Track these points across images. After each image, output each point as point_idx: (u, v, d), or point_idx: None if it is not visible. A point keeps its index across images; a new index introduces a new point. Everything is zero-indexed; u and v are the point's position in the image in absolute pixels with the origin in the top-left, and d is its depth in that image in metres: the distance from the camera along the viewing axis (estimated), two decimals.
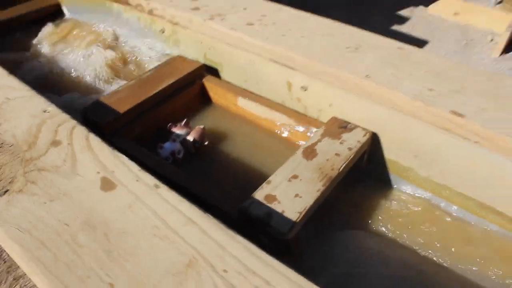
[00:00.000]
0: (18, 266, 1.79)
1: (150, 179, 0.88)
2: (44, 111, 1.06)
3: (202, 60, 1.62)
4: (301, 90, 1.37)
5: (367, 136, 1.23)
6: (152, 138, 1.38)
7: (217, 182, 1.26)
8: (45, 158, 0.93)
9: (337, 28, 1.48)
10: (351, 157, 1.16)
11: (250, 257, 0.74)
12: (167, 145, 1.32)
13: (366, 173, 1.32)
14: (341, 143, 1.20)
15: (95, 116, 1.29)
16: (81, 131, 1.00)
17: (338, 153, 1.17)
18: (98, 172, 0.90)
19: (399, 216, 1.23)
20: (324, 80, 1.31)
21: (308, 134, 1.34)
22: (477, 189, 1.15)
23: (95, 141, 0.98)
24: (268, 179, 1.08)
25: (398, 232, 1.19)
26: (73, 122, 1.03)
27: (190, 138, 1.33)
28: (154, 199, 0.84)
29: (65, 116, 1.04)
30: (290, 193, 1.04)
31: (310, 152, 1.17)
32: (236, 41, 1.47)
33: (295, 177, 1.09)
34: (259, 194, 1.03)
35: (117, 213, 0.82)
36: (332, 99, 1.31)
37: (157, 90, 1.41)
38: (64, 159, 0.93)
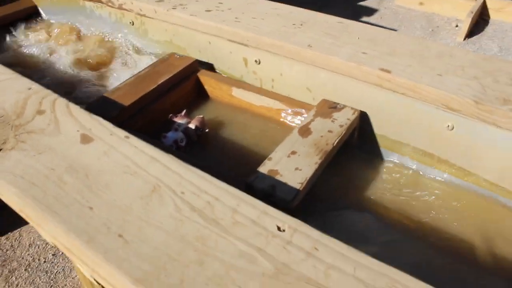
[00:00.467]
0: (13, 259, 1.95)
1: (121, 133, 1.06)
2: (29, 88, 1.24)
3: (169, 45, 1.80)
4: (255, 64, 1.56)
5: (356, 114, 1.36)
6: (154, 131, 1.48)
7: (221, 163, 1.38)
8: (32, 124, 1.11)
9: (285, 9, 1.68)
10: (343, 133, 1.29)
11: (203, 181, 0.93)
12: (170, 134, 1.40)
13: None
14: (332, 121, 1.33)
15: (99, 111, 1.32)
16: (62, 101, 1.18)
17: (331, 130, 1.29)
18: (78, 130, 1.07)
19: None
20: (274, 53, 1.50)
21: (300, 116, 1.48)
22: (416, 138, 1.36)
23: (75, 108, 1.15)
24: (269, 156, 1.19)
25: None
26: (55, 95, 1.21)
27: (191, 126, 1.43)
28: (125, 146, 1.02)
29: (47, 91, 1.22)
30: (290, 167, 1.15)
31: (305, 131, 1.29)
32: (196, 26, 1.66)
33: (293, 153, 1.20)
34: (262, 170, 1.14)
35: (94, 159, 0.99)
36: (282, 69, 1.51)
37: (155, 85, 1.53)
38: (48, 123, 1.10)
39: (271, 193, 1.07)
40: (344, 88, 1.41)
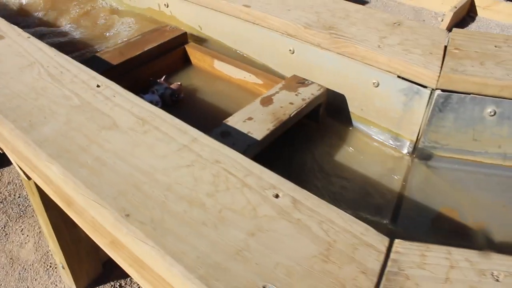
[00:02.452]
0: None
1: (25, 35, 1.47)
2: None
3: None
4: (165, 7, 1.94)
5: (321, 90, 1.43)
6: (137, 92, 1.54)
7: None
8: None
9: None
10: (303, 106, 1.36)
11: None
12: (147, 96, 1.52)
13: None
14: (296, 95, 1.40)
15: (91, 67, 1.49)
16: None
17: (292, 102, 1.37)
18: None
19: None
20: None
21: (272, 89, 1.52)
22: (270, 60, 1.69)
23: (3, 22, 1.57)
24: (226, 119, 1.29)
25: None
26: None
27: (168, 90, 1.56)
28: (26, 43, 1.42)
29: None
30: (243, 130, 1.24)
31: (267, 101, 1.37)
32: None
33: (250, 119, 1.29)
34: (216, 131, 1.23)
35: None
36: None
37: (142, 51, 1.68)
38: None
39: None
40: (219, 22, 1.77)
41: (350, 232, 0.80)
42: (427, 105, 1.34)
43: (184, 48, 1.79)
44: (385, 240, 0.79)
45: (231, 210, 0.84)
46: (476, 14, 4.48)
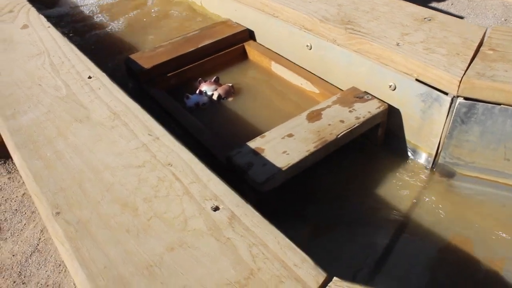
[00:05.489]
0: None
1: (46, 24, 1.52)
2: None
3: None
4: None
5: (381, 108, 1.20)
6: (187, 89, 1.52)
7: (227, 133, 1.34)
8: (2, 18, 1.62)
9: None
10: (355, 126, 1.14)
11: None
12: (194, 96, 1.45)
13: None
14: (350, 111, 1.18)
15: (133, 64, 1.49)
16: (27, 7, 1.68)
17: (343, 120, 1.16)
18: (24, 23, 1.56)
19: None
20: None
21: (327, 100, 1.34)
22: (288, 54, 1.58)
23: (33, 12, 1.64)
24: (263, 134, 1.13)
25: None
26: (26, 4, 1.71)
27: (216, 93, 1.46)
28: (44, 31, 1.47)
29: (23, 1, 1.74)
30: (279, 149, 1.06)
31: (315, 115, 1.18)
32: None
33: (290, 135, 1.10)
34: (250, 145, 1.08)
35: (20, 35, 1.46)
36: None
37: (196, 48, 1.57)
38: (12, 19, 1.61)
39: (246, 170, 0.99)
40: (243, 13, 1.68)
41: (281, 261, 0.69)
42: (448, 114, 1.14)
43: (243, 46, 1.69)
44: (321, 277, 0.67)
45: (161, 219, 0.77)
46: None
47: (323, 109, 1.20)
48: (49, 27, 1.50)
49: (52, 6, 2.27)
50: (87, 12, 2.24)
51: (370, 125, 1.20)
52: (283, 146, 1.07)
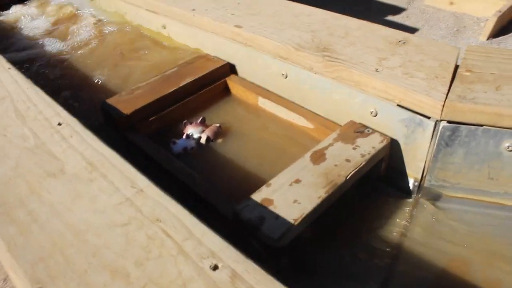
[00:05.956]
0: None
1: (6, 65, 1.42)
2: None
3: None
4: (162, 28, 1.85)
5: (384, 142, 1.17)
6: (171, 133, 1.42)
7: (222, 180, 1.25)
8: None
9: None
10: (362, 164, 1.09)
11: None
12: (181, 141, 1.35)
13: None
14: (354, 148, 1.14)
15: (111, 110, 1.39)
16: None
17: (349, 159, 1.11)
18: None
19: None
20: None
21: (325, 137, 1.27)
22: (265, 84, 1.55)
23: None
24: (268, 182, 1.05)
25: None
26: None
27: (203, 136, 1.37)
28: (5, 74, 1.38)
29: None
30: (289, 198, 1.00)
31: (319, 156, 1.12)
32: None
33: (297, 181, 1.04)
34: (256, 197, 1.00)
35: None
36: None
37: (177, 87, 1.47)
38: None
39: (258, 226, 0.93)
40: (215, 43, 1.64)
41: None
42: (432, 138, 1.14)
43: (226, 81, 1.60)
44: None
45: (156, 285, 0.71)
46: None
47: (325, 148, 1.15)
48: (9, 68, 1.41)
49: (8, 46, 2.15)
50: (49, 50, 2.14)
51: (375, 161, 1.16)
52: (292, 194, 1.01)
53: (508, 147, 1.08)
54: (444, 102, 1.08)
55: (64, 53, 2.06)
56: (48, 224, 0.84)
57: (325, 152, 1.14)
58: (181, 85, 1.48)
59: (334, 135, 1.21)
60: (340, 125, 1.30)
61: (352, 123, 1.26)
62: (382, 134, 1.20)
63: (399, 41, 1.33)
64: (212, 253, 0.76)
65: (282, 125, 1.44)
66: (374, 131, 1.21)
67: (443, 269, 1.07)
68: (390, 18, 4.41)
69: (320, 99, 1.35)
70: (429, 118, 1.13)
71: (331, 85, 1.29)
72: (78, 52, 2.03)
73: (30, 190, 0.93)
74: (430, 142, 1.15)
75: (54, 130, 1.10)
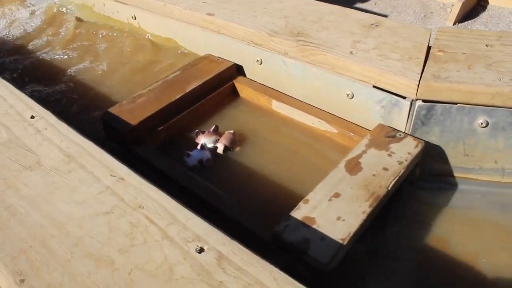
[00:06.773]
0: None
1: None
2: None
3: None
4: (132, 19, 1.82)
5: (420, 147, 1.10)
6: (179, 144, 1.30)
7: (246, 193, 1.13)
8: None
9: None
10: (401, 172, 1.02)
11: None
12: (195, 152, 1.21)
13: None
14: (389, 155, 1.07)
15: (115, 122, 1.24)
16: None
17: (386, 167, 1.03)
18: None
19: None
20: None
21: (351, 142, 1.24)
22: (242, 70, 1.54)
23: None
24: (306, 198, 0.96)
25: None
26: None
27: (220, 145, 1.25)
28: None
29: None
30: (331, 215, 0.92)
31: (354, 166, 1.04)
32: None
33: (336, 195, 0.96)
34: (296, 215, 0.92)
35: None
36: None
37: (184, 93, 1.34)
38: None
39: (304, 249, 0.85)
40: (189, 33, 1.62)
41: None
42: (408, 117, 1.17)
43: (233, 84, 1.47)
44: None
45: (143, 271, 0.71)
46: (487, 2, 4.19)
47: (359, 156, 1.07)
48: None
49: None
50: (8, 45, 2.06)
51: (412, 167, 1.09)
52: (334, 210, 0.93)
53: (481, 123, 1.11)
54: (419, 82, 1.10)
55: (29, 48, 1.99)
56: (27, 218, 0.82)
57: (359, 160, 1.05)
58: (188, 90, 1.35)
59: (365, 141, 1.12)
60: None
61: (381, 127, 1.18)
62: (415, 138, 1.13)
63: (372, 24, 1.35)
64: (197, 236, 0.75)
65: (302, 130, 1.32)
66: (406, 135, 1.15)
67: (423, 247, 1.10)
68: (358, 5, 4.47)
69: (296, 84, 1.36)
70: (404, 98, 1.15)
71: (307, 69, 1.30)
72: (44, 49, 1.97)
73: (6, 185, 0.90)
74: (407, 122, 1.17)
75: (27, 123, 1.07)
